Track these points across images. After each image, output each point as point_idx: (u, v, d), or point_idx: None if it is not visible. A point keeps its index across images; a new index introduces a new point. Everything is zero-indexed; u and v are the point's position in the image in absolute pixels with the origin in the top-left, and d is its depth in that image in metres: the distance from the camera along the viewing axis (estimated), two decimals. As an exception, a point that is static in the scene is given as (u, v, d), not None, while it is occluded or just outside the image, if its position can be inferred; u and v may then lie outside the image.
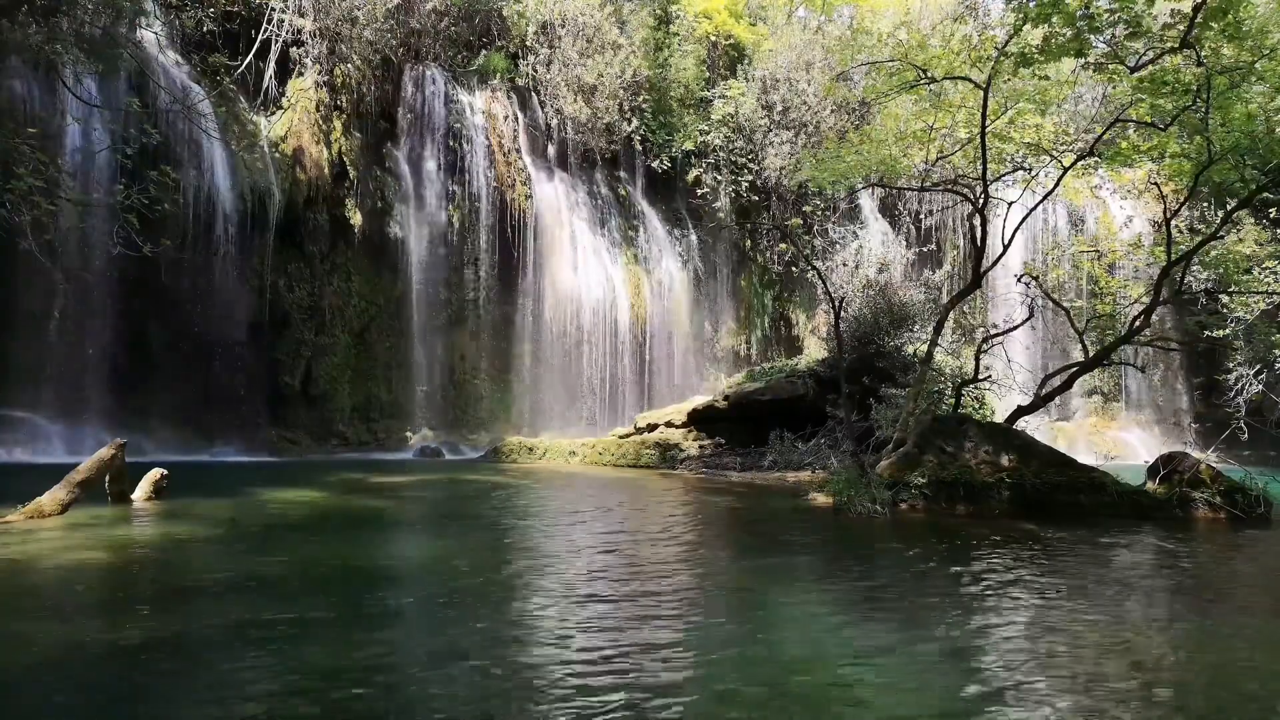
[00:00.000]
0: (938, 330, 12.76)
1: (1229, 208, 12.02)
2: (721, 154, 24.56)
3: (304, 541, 7.23)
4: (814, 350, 22.94)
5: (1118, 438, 23.49)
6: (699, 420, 17.35)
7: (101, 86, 15.60)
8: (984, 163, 11.80)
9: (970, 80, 11.87)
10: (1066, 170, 12.65)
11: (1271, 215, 19.19)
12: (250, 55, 18.34)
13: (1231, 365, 19.76)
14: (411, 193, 20.68)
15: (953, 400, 13.34)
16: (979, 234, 12.97)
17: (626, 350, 22.63)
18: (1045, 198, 13.85)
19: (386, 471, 13.86)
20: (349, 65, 19.68)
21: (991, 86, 11.28)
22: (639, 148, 24.28)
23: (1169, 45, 10.21)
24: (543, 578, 5.82)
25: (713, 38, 25.59)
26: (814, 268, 15.03)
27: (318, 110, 19.20)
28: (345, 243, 19.57)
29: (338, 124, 19.64)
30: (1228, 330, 18.07)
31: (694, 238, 25.13)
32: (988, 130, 11.62)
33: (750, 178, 24.66)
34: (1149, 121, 11.44)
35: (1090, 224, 25.94)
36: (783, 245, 24.79)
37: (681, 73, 24.93)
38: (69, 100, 14.73)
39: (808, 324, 25.68)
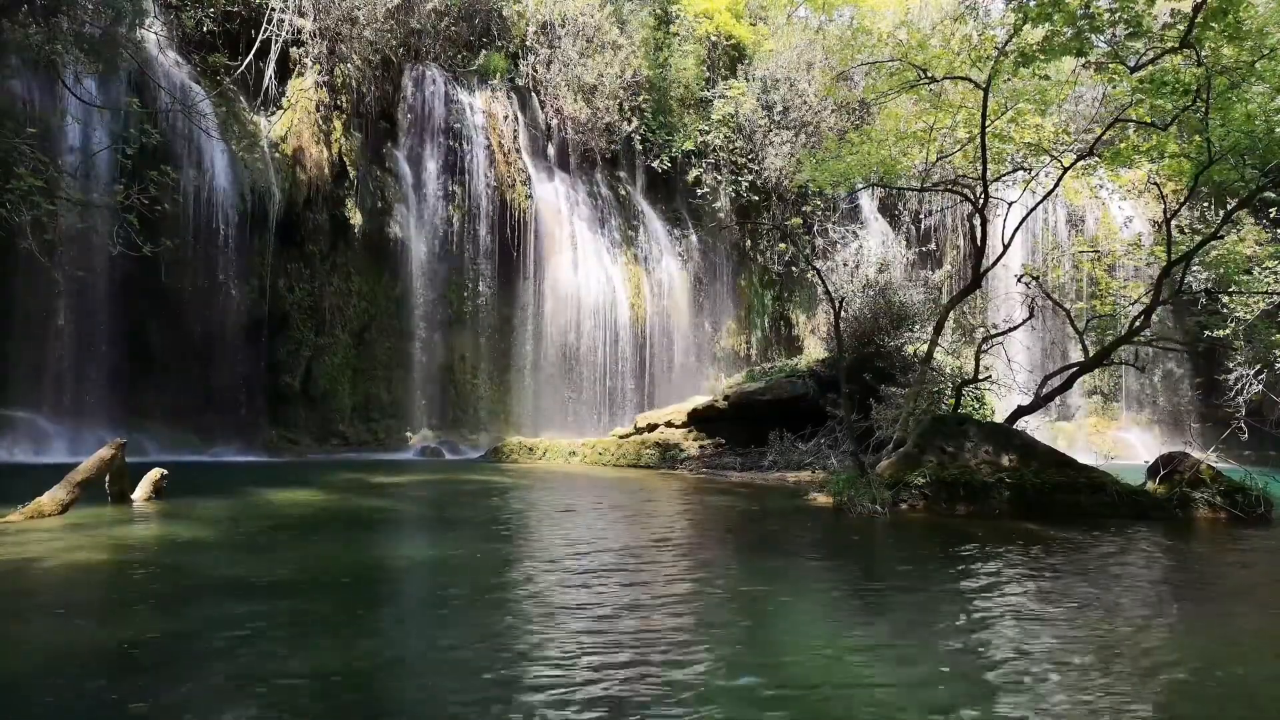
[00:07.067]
0: (938, 330, 12.77)
1: (1229, 208, 12.02)
2: (721, 154, 24.55)
3: (304, 542, 7.23)
4: (814, 350, 22.94)
5: (1118, 438, 23.50)
6: (699, 420, 17.35)
7: (101, 86, 15.58)
8: (984, 163, 11.81)
9: (970, 80, 11.87)
10: (1066, 170, 12.66)
11: (1271, 215, 19.20)
12: (250, 55, 18.33)
13: (1231, 365, 19.75)
14: (411, 193, 20.66)
15: (953, 400, 13.34)
16: (979, 234, 12.98)
17: (626, 350, 22.63)
18: (1045, 198, 13.86)
19: (386, 471, 13.86)
20: (349, 65, 19.67)
21: (991, 86, 11.28)
22: (639, 148, 24.27)
23: (1169, 45, 10.23)
24: (542, 579, 5.82)
25: (713, 38, 25.58)
26: (814, 268, 15.03)
27: (318, 110, 19.20)
28: (345, 243, 19.56)
29: (338, 124, 19.63)
30: (1228, 330, 18.08)
31: (694, 238, 25.12)
32: (988, 130, 11.63)
33: (750, 178, 24.65)
34: (1149, 121, 11.44)
35: (1090, 224, 25.95)
36: (783, 245, 24.80)
37: (681, 73, 24.92)
38: (69, 100, 14.72)
39: (808, 324, 25.68)
